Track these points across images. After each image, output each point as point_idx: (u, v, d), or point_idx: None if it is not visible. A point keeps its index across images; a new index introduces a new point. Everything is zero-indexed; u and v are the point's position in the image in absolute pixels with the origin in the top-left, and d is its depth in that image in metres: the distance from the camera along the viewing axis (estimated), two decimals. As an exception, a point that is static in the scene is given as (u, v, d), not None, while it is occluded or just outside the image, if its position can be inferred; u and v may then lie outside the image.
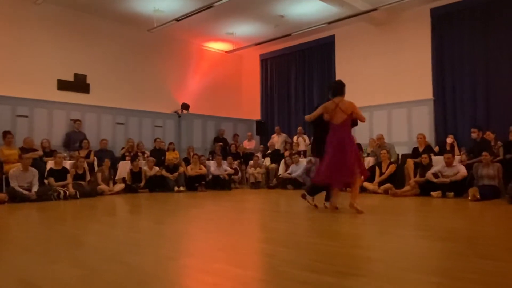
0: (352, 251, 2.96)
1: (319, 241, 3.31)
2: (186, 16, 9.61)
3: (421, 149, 8.12)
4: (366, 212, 4.90)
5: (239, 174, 10.37)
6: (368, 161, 8.66)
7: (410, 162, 7.90)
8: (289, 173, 9.60)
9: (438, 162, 7.40)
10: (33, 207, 6.02)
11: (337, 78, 11.15)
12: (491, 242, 3.27)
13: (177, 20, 9.83)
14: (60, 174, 7.35)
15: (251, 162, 10.41)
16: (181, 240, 3.57)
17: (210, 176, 9.55)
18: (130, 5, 9.61)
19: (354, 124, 5.23)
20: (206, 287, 2.15)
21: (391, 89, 9.92)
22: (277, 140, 11.42)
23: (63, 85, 9.67)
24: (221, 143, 11.30)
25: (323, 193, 5.40)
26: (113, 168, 8.66)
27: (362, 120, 5.16)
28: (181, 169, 9.15)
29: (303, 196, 5.47)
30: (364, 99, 9.52)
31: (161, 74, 11.55)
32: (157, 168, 8.97)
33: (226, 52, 12.96)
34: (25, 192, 6.62)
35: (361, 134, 9.40)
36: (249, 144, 12.09)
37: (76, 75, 9.91)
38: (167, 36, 11.52)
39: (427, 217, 5.04)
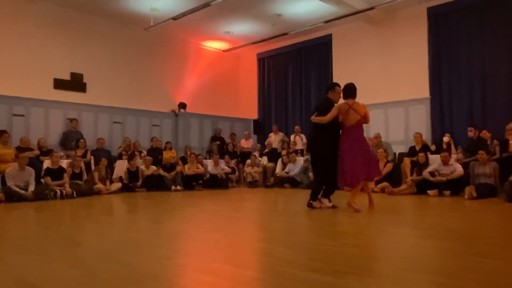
0: (350, 250, 2.97)
1: (317, 240, 3.32)
2: (183, 15, 9.59)
3: (418, 148, 8.15)
4: (364, 211, 4.91)
5: (237, 173, 10.37)
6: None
7: (407, 161, 7.92)
8: (286, 172, 9.61)
9: (435, 160, 7.43)
10: (30, 206, 6.00)
11: (334, 77, 11.19)
12: (488, 241, 3.29)
13: (174, 19, 9.80)
14: (56, 173, 7.32)
15: (248, 161, 10.41)
16: (178, 239, 3.56)
17: (208, 175, 9.55)
18: (126, 4, 9.58)
19: None
20: (204, 286, 2.14)
21: (388, 88, 9.94)
22: (274, 139, 11.43)
23: (59, 84, 9.63)
24: (218, 142, 11.29)
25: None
26: (110, 167, 8.64)
27: (367, 122, 5.25)
28: (178, 168, 9.14)
29: (310, 205, 5.19)
30: (361, 98, 9.40)
31: (158, 73, 11.52)
32: (154, 167, 8.95)
33: (223, 51, 12.95)
34: (21, 191, 6.59)
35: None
36: (246, 143, 12.09)
37: (72, 74, 9.87)
38: (164, 35, 11.49)
39: (424, 215, 5.06)
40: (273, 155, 10.62)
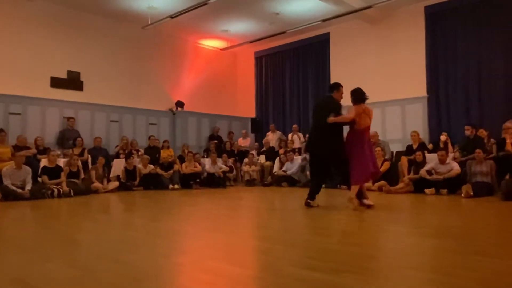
0: (347, 248, 2.98)
1: (314, 239, 3.32)
2: (181, 13, 9.57)
3: (415, 147, 8.16)
4: (361, 210, 4.92)
5: (234, 171, 10.37)
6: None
7: (404, 160, 7.94)
8: (284, 171, 9.61)
9: (432, 159, 7.45)
10: (27, 205, 5.98)
11: (331, 76, 11.21)
12: (485, 239, 3.30)
13: (172, 17, 9.78)
14: (53, 172, 7.30)
15: (246, 159, 10.42)
16: (176, 238, 3.56)
17: (205, 174, 9.54)
18: (124, 2, 9.55)
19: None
20: (201, 285, 2.14)
21: (385, 87, 9.96)
22: (272, 138, 11.43)
23: (56, 83, 9.60)
24: (216, 141, 11.28)
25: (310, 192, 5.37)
26: (107, 166, 8.62)
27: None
28: (176, 166, 9.13)
29: (308, 204, 5.16)
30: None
31: (155, 72, 11.50)
32: (151, 166, 8.94)
33: (220, 49, 12.93)
34: (18, 190, 6.57)
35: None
36: (244, 142, 12.09)
37: (69, 72, 9.84)
38: (162, 33, 11.47)
39: (421, 214, 5.07)
40: (271, 154, 10.63)
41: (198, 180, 9.23)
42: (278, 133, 11.63)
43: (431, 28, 9.58)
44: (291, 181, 9.37)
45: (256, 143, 11.93)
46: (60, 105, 9.52)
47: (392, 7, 9.78)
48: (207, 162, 9.84)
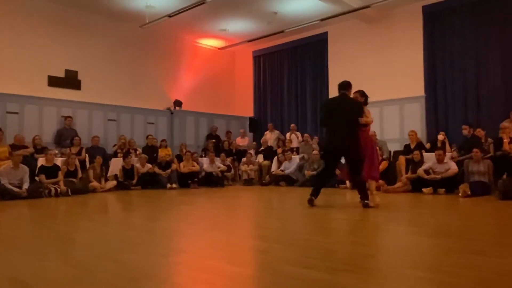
0: (345, 247, 2.98)
1: (312, 238, 3.33)
2: (179, 12, 9.56)
3: (412, 146, 8.18)
4: (359, 209, 4.93)
5: (232, 171, 10.36)
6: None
7: (401, 159, 7.95)
8: (282, 170, 9.62)
9: (430, 158, 7.46)
10: (24, 204, 5.97)
11: (330, 75, 11.23)
12: (482, 238, 3.31)
13: (170, 16, 9.76)
14: (51, 171, 7.28)
15: (244, 159, 10.41)
16: (173, 237, 3.56)
17: (203, 173, 9.53)
18: (122, 1, 9.53)
19: None
20: (198, 284, 2.14)
21: (383, 86, 9.96)
22: (270, 137, 11.43)
23: (54, 82, 9.58)
24: (214, 140, 11.27)
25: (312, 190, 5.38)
26: (105, 165, 8.60)
27: None
28: (174, 166, 9.12)
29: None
30: (357, 96, 9.54)
31: (153, 71, 11.48)
32: (149, 165, 8.93)
33: (219, 48, 12.92)
34: (15, 189, 6.55)
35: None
36: (242, 141, 12.08)
37: (67, 71, 9.81)
38: (160, 33, 11.45)
39: (418, 213, 5.08)
40: (269, 153, 10.63)
41: (196, 179, 9.22)
42: (276, 132, 11.63)
43: (429, 28, 9.60)
44: (289, 180, 9.38)
45: (254, 143, 11.93)
46: (58, 104, 9.49)
47: (390, 7, 9.79)
48: (205, 161, 9.83)
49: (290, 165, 9.54)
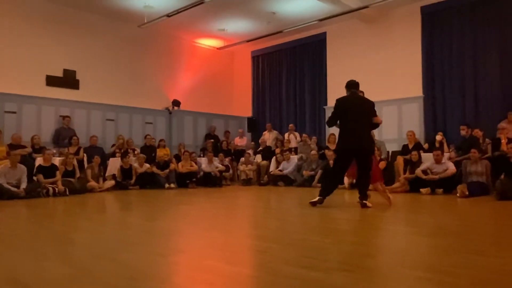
0: (344, 247, 2.98)
1: (310, 237, 3.33)
2: (177, 12, 9.55)
3: (410, 146, 8.19)
4: (357, 209, 4.94)
5: (230, 171, 10.36)
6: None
7: (400, 159, 7.96)
8: (280, 170, 9.62)
9: (428, 159, 7.48)
10: (22, 204, 5.95)
11: (328, 75, 11.25)
12: (479, 238, 3.32)
13: (168, 16, 9.76)
14: (49, 171, 7.27)
15: (242, 159, 10.41)
16: (172, 237, 3.55)
17: (201, 173, 9.53)
18: (120, 1, 9.52)
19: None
20: (196, 284, 2.14)
21: (381, 86, 9.98)
22: (268, 137, 11.43)
23: (52, 81, 9.56)
24: (212, 140, 11.27)
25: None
26: (103, 165, 8.59)
27: None
28: (172, 166, 9.11)
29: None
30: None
31: (151, 70, 11.47)
32: (147, 165, 8.92)
33: (217, 48, 12.91)
34: (13, 189, 6.54)
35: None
36: (241, 141, 12.08)
37: (65, 70, 9.79)
38: (158, 32, 11.44)
39: (416, 213, 5.09)
40: (267, 153, 10.63)
41: (194, 179, 9.22)
42: (275, 132, 11.64)
43: (427, 28, 9.61)
44: (287, 180, 9.38)
45: (253, 143, 11.93)
46: (56, 104, 9.48)
47: (389, 7, 9.80)
48: (203, 161, 9.83)
49: (289, 165, 9.55)
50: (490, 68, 8.73)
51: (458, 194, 6.28)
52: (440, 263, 2.47)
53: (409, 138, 8.37)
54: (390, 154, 9.03)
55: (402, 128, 9.54)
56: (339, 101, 5.19)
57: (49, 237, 3.45)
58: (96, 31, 10.33)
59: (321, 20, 10.36)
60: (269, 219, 4.63)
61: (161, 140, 10.20)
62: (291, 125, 11.25)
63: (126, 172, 8.63)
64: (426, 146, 8.57)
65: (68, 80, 9.83)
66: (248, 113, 13.20)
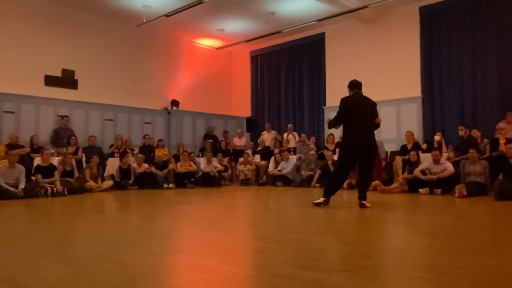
0: (342, 247, 2.98)
1: (309, 238, 3.33)
2: (176, 12, 9.55)
3: (409, 147, 8.20)
4: (355, 209, 4.94)
5: (229, 171, 10.36)
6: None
7: (398, 159, 7.97)
8: (279, 170, 9.62)
9: (426, 159, 7.49)
10: (20, 204, 5.94)
11: (327, 76, 11.27)
12: (478, 238, 3.32)
13: (167, 16, 9.75)
14: (47, 170, 7.25)
15: (241, 159, 10.41)
16: (170, 237, 3.55)
17: (200, 173, 9.53)
18: (119, 1, 9.52)
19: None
20: (194, 283, 2.14)
21: (380, 87, 9.98)
22: (267, 137, 11.43)
23: (50, 81, 9.54)
24: (211, 140, 11.26)
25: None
26: (102, 165, 8.58)
27: None
28: (171, 166, 9.10)
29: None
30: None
31: (150, 70, 11.46)
32: (146, 165, 8.91)
33: (216, 48, 12.91)
34: (11, 189, 6.52)
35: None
36: (239, 141, 12.08)
37: (64, 70, 9.78)
38: (157, 32, 11.43)
39: (415, 213, 5.09)
40: (266, 153, 10.63)
41: (193, 179, 9.21)
42: (273, 132, 11.64)
43: (425, 29, 9.63)
44: (286, 180, 9.38)
45: (251, 143, 11.93)
46: (54, 104, 9.46)
47: (387, 8, 9.81)
48: (202, 161, 9.82)
49: (287, 165, 9.55)
50: (489, 68, 8.74)
51: (456, 194, 6.29)
52: (438, 263, 2.47)
53: (408, 139, 8.38)
54: (388, 154, 9.04)
55: (401, 129, 9.55)
56: (345, 101, 5.14)
57: (48, 237, 3.45)
58: (95, 31, 10.32)
59: (319, 20, 10.36)
60: (268, 219, 4.63)
61: (159, 140, 10.20)
62: (290, 125, 11.26)
63: (124, 172, 8.62)
64: (424, 146, 8.58)
65: (67, 80, 9.81)
66: (247, 113, 13.21)
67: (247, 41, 12.05)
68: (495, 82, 8.64)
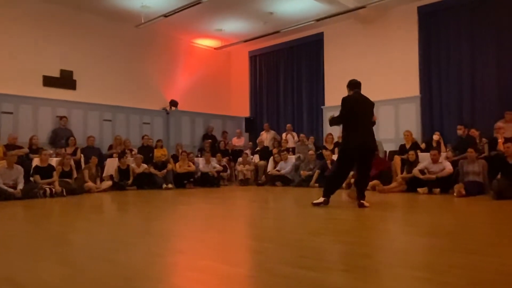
0: (340, 247, 2.98)
1: (308, 238, 3.33)
2: (174, 12, 9.54)
3: (408, 146, 8.21)
4: (354, 209, 4.94)
5: (228, 171, 10.36)
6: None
7: (397, 159, 7.98)
8: (277, 170, 9.62)
9: (425, 158, 7.49)
10: (18, 205, 5.93)
11: (325, 75, 11.26)
12: (478, 238, 3.32)
13: (165, 16, 9.74)
14: (46, 171, 7.24)
15: (240, 159, 10.41)
16: (169, 237, 3.55)
17: (199, 173, 9.52)
18: (117, 1, 9.49)
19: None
20: (193, 284, 2.14)
21: (378, 86, 9.96)
22: (266, 137, 11.43)
23: (49, 81, 9.52)
24: (210, 140, 11.26)
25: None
26: (100, 165, 8.57)
27: None
28: (170, 166, 9.10)
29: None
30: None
31: (149, 71, 11.45)
32: (145, 166, 8.90)
33: (214, 48, 12.90)
34: (10, 189, 6.51)
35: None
36: (238, 141, 12.08)
37: (62, 71, 9.76)
38: (155, 32, 11.42)
39: (414, 213, 5.10)
40: (265, 153, 10.63)
41: (192, 179, 9.20)
42: (272, 132, 11.63)
43: (424, 28, 9.64)
44: (285, 180, 9.38)
45: (250, 143, 11.92)
46: (53, 104, 9.44)
47: (386, 7, 9.82)
48: (201, 161, 9.82)
49: (286, 165, 9.55)
50: (487, 68, 8.75)
51: (455, 194, 6.30)
52: (437, 262, 2.48)
53: (406, 138, 8.39)
54: (387, 154, 9.05)
55: (399, 128, 9.56)
56: (346, 100, 5.13)
57: (46, 237, 3.44)
58: (93, 31, 10.30)
59: (318, 20, 10.36)
60: (267, 219, 4.63)
61: (158, 141, 10.18)
62: (288, 125, 11.25)
63: (123, 172, 8.61)
64: (423, 146, 8.58)
65: (65, 80, 9.79)
66: (246, 113, 13.20)
67: (245, 41, 12.05)
68: (494, 82, 8.66)
